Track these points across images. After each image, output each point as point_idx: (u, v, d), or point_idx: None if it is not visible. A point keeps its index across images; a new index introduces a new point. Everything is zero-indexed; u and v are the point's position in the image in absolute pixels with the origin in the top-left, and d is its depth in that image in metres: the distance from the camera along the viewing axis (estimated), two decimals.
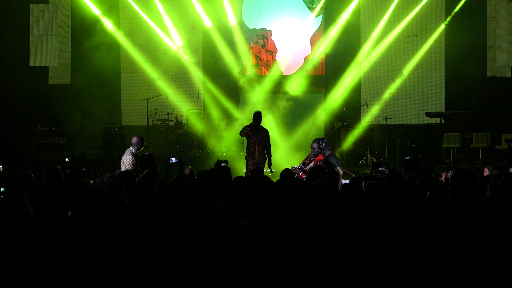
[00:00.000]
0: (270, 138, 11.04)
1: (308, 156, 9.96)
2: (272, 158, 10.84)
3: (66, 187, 6.22)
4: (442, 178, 8.61)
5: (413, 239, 4.10)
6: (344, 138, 15.41)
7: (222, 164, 7.66)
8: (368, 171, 10.33)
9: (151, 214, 5.07)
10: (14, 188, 5.40)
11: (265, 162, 10.76)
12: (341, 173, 9.19)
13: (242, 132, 10.98)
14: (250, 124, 10.97)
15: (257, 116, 10.92)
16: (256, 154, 10.69)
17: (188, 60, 15.98)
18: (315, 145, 9.69)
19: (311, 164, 9.50)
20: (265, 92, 15.96)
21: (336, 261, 3.21)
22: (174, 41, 16.02)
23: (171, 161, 7.71)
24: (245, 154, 10.94)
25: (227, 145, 15.02)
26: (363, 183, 6.58)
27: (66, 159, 8.75)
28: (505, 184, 5.70)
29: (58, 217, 4.88)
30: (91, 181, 7.15)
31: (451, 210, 3.56)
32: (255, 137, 10.78)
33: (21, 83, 15.39)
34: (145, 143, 9.93)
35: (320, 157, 9.67)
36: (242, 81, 16.06)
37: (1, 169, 9.31)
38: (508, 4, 15.87)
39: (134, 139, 9.24)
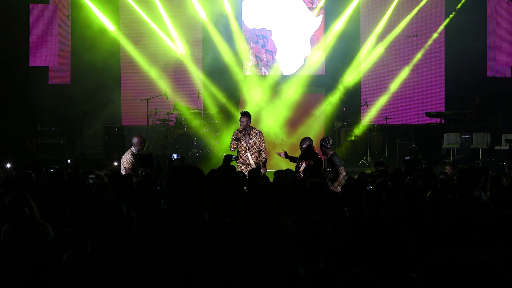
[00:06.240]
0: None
1: (298, 159, 9.53)
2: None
3: (68, 187, 6.22)
4: (448, 171, 8.64)
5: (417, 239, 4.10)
6: (344, 138, 15.42)
7: (233, 158, 7.63)
8: (370, 171, 10.31)
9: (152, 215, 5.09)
10: (17, 189, 5.40)
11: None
12: (344, 173, 9.15)
13: (232, 146, 9.77)
14: (238, 129, 9.85)
15: (246, 117, 9.79)
16: (249, 161, 9.63)
17: (186, 55, 15.98)
18: (304, 144, 9.46)
19: (304, 165, 9.21)
20: (265, 92, 15.96)
21: (339, 262, 3.21)
22: (174, 41, 16.04)
23: (172, 157, 7.76)
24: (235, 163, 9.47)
25: (227, 145, 15.01)
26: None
27: (68, 161, 8.77)
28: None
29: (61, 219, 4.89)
30: (91, 181, 7.20)
31: (458, 213, 3.58)
32: (245, 142, 9.71)
33: (21, 83, 15.41)
34: (147, 143, 9.93)
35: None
36: (242, 81, 16.07)
37: (9, 167, 9.34)
38: (508, 4, 15.89)
39: (135, 139, 9.25)
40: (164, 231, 2.76)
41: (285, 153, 9.70)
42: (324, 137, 9.98)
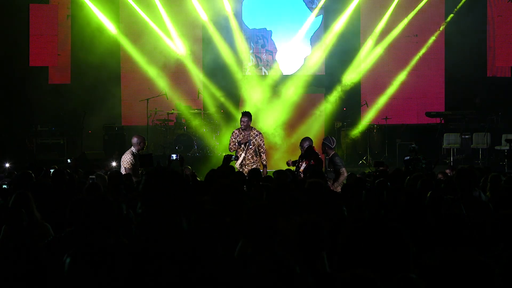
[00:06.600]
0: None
1: (299, 159, 9.33)
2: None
3: (68, 187, 6.22)
4: (448, 174, 8.64)
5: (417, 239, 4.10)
6: (344, 138, 15.41)
7: (232, 158, 7.65)
8: (370, 171, 10.30)
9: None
10: (18, 188, 5.40)
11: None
12: (345, 174, 9.14)
13: (232, 146, 9.67)
14: (238, 129, 9.77)
15: (247, 117, 9.68)
16: (246, 162, 9.49)
17: (186, 55, 15.97)
18: (304, 144, 9.40)
19: (304, 165, 9.15)
20: (265, 92, 15.96)
21: (339, 262, 3.21)
22: (174, 41, 16.03)
23: (171, 158, 7.77)
24: (234, 163, 9.36)
25: (227, 145, 15.01)
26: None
27: (68, 160, 8.79)
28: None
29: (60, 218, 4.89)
30: (91, 181, 7.20)
31: (452, 213, 3.59)
32: (243, 144, 9.55)
33: (21, 83, 15.41)
34: (146, 143, 9.93)
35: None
36: (242, 81, 16.07)
37: (8, 167, 9.36)
38: (508, 4, 15.90)
39: (135, 139, 9.27)
40: (139, 236, 2.69)
41: (291, 162, 9.53)
42: (327, 136, 9.94)
